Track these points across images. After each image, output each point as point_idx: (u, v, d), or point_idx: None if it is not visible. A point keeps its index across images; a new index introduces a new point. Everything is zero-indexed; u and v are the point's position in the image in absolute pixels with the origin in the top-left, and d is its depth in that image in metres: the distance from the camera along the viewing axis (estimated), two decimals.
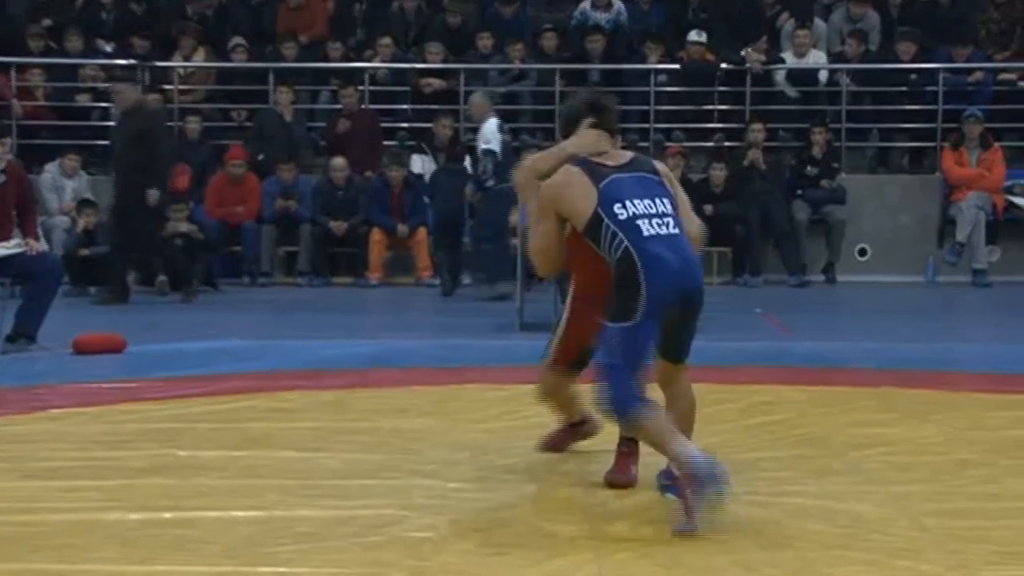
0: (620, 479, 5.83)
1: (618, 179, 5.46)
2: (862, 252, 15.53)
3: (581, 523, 5.24)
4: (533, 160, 5.78)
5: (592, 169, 5.50)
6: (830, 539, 5.03)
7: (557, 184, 5.53)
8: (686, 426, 5.63)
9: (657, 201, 5.45)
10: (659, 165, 5.68)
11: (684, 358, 5.60)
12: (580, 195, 5.44)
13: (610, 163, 5.54)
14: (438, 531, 5.12)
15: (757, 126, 15.22)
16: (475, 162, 13.35)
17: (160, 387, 8.17)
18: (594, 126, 5.65)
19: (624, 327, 5.28)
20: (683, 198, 5.68)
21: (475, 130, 13.56)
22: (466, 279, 14.74)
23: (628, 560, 4.79)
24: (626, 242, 5.32)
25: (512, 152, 13.34)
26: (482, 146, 13.08)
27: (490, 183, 13.06)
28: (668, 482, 5.51)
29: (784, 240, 15.04)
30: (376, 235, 14.81)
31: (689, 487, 5.07)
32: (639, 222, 5.36)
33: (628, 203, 5.40)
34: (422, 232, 14.75)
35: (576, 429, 6.43)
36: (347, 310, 13.11)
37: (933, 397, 7.87)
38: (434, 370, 8.95)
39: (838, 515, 5.34)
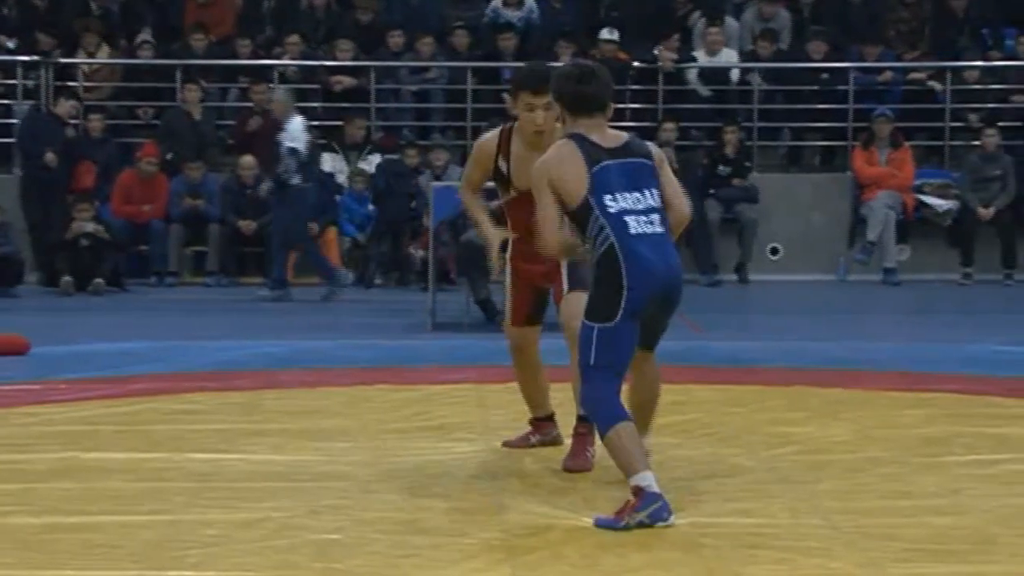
0: (577, 464, 5.94)
1: (609, 166, 5.39)
2: (774, 251, 15.65)
3: (494, 524, 5.24)
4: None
5: (587, 149, 5.41)
6: (742, 538, 5.06)
7: (552, 162, 5.44)
8: (648, 414, 5.71)
9: (646, 193, 5.41)
10: (654, 149, 5.62)
11: (656, 344, 5.63)
12: (574, 176, 5.37)
13: (605, 144, 5.45)
14: (348, 533, 5.10)
15: (669, 125, 15.30)
16: (278, 160, 13.30)
17: (64, 389, 8.09)
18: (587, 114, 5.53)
19: (605, 327, 5.29)
20: (673, 180, 5.63)
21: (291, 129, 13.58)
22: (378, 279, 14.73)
23: (541, 561, 4.80)
24: (612, 237, 5.30)
25: (317, 151, 13.47)
26: (287, 144, 13.06)
27: (294, 181, 13.10)
28: None
29: (696, 239, 15.12)
30: None
31: (636, 500, 5.13)
32: (627, 218, 5.34)
33: (618, 195, 5.35)
34: (332, 231, 14.70)
35: (542, 427, 6.47)
36: (256, 310, 13.04)
37: (844, 396, 7.95)
38: (344, 371, 8.92)
39: (750, 514, 5.37)
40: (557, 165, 5.43)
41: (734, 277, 15.26)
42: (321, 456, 6.35)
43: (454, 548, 4.92)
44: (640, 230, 5.34)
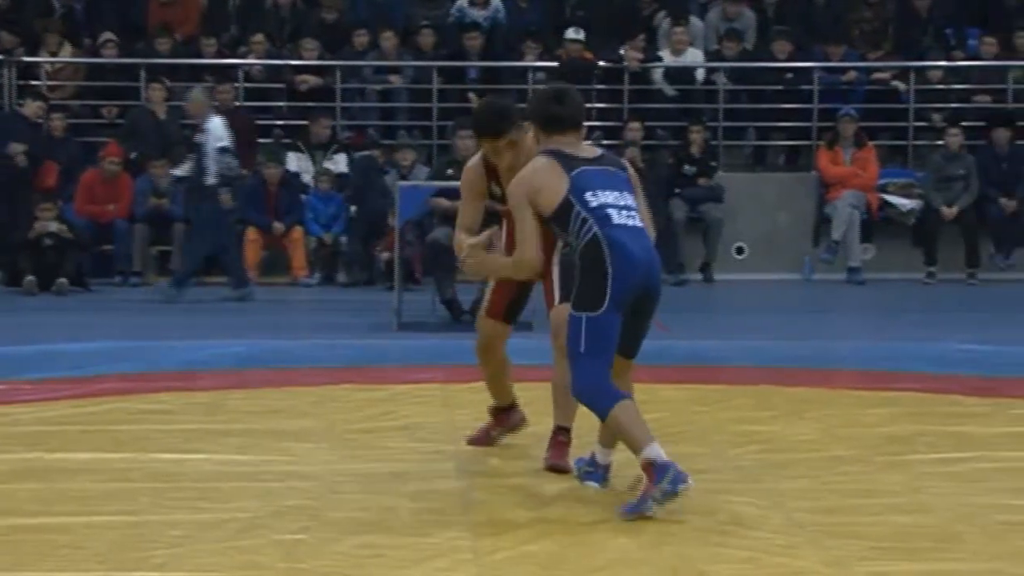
0: (560, 465, 5.95)
1: (587, 170, 5.57)
2: (739, 250, 15.68)
3: (460, 524, 5.24)
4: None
5: (562, 159, 5.57)
6: (707, 536, 5.08)
7: (527, 177, 5.56)
8: None
9: (624, 194, 5.57)
10: (629, 169, 5.76)
11: (636, 354, 5.71)
12: (550, 182, 5.51)
13: (581, 155, 5.62)
14: (313, 533, 5.10)
15: (635, 125, 15.30)
16: (200, 160, 13.22)
17: (28, 389, 8.05)
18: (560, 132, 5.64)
19: (591, 316, 5.38)
20: (644, 204, 5.74)
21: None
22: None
23: (507, 561, 4.81)
24: (595, 228, 5.42)
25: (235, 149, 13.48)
26: (215, 144, 13.02)
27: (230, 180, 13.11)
28: (590, 468, 5.69)
29: (661, 239, 15.12)
30: (251, 234, 14.69)
31: (650, 476, 5.24)
32: (609, 210, 5.48)
33: (598, 192, 5.51)
34: (298, 231, 14.68)
35: (503, 417, 6.49)
36: (221, 310, 13.00)
37: (809, 394, 7.98)
38: (310, 370, 8.90)
39: (715, 513, 5.39)
40: (532, 178, 5.57)
41: (699, 276, 15.29)
42: (286, 456, 6.34)
43: (420, 548, 4.92)
44: (622, 221, 5.48)
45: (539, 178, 5.53)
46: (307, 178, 15.18)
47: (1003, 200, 15.24)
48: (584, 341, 5.39)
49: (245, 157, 15.34)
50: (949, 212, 15.15)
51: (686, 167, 15.38)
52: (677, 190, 15.28)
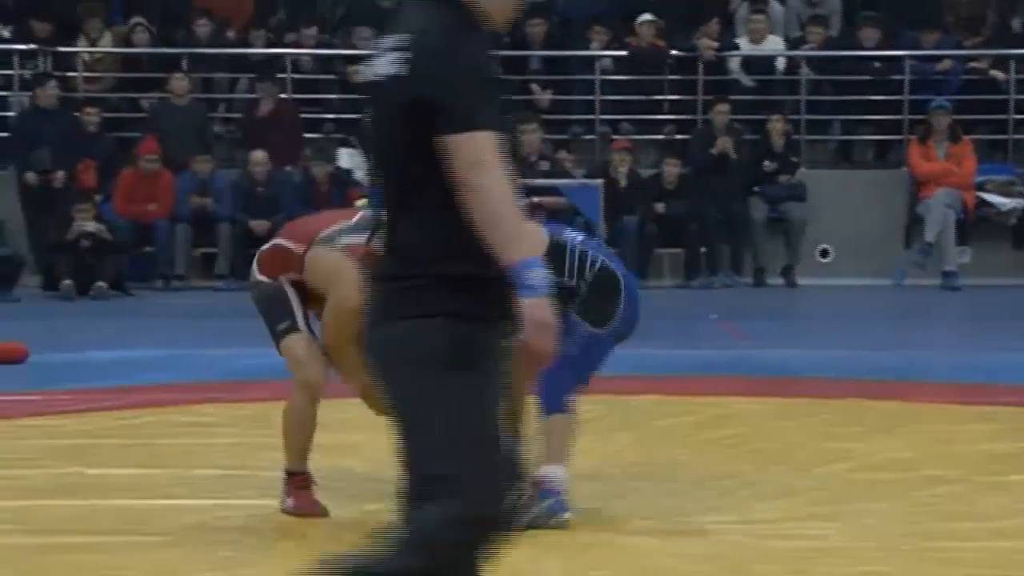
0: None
1: None
2: (824, 253, 15.62)
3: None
4: None
5: None
6: (792, 563, 5.05)
7: None
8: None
9: None
10: None
11: None
12: None
13: None
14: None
15: (723, 107, 15.18)
16: None
17: (66, 400, 8.11)
18: None
19: (595, 333, 5.50)
20: None
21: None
22: None
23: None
24: (601, 257, 5.56)
25: None
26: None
27: None
28: (557, 497, 5.59)
29: (739, 239, 15.10)
30: None
31: (537, 492, 5.34)
32: (592, 243, 5.69)
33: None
34: None
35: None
36: None
37: (900, 409, 7.93)
38: None
39: (800, 537, 5.36)
40: None
41: (781, 281, 15.24)
42: (341, 472, 6.34)
43: None
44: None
45: None
46: (359, 175, 15.22)
47: None
48: (579, 353, 5.44)
49: (293, 153, 15.44)
50: None
51: (766, 163, 15.33)
52: (756, 188, 15.24)
